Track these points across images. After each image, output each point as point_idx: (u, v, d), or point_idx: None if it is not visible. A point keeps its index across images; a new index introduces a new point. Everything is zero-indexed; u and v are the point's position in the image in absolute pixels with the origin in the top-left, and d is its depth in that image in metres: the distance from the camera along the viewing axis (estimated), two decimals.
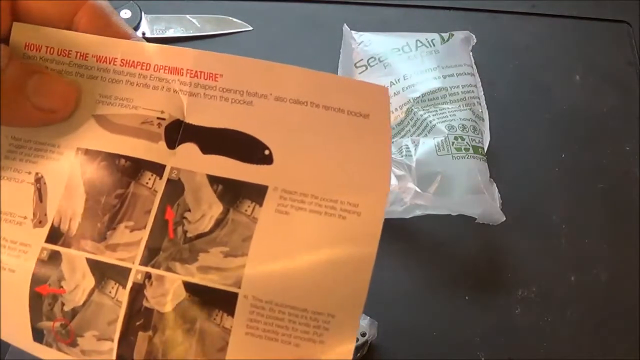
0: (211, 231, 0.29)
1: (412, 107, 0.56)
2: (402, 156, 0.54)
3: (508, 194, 0.54)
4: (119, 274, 0.29)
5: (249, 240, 0.28)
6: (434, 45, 0.60)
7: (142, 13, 0.63)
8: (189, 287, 0.28)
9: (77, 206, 0.30)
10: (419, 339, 0.50)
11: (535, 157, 0.59)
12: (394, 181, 0.53)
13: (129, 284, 0.29)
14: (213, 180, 0.29)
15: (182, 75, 0.30)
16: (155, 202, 0.29)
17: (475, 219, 0.52)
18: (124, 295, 0.29)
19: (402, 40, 0.60)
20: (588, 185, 0.58)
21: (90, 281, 0.29)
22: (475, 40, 0.60)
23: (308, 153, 0.29)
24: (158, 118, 0.30)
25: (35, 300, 0.30)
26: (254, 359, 0.28)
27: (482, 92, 0.59)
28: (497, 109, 0.59)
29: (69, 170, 0.30)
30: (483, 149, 0.55)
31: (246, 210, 0.29)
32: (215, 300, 0.28)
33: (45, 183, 0.31)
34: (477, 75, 0.59)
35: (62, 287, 0.30)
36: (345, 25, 0.61)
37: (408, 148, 0.54)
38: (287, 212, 0.28)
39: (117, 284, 0.29)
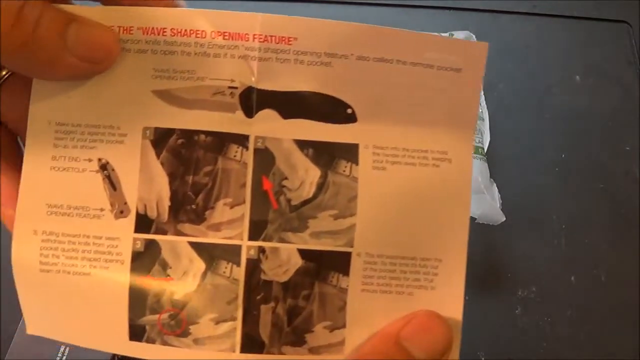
0: (315, 196, 0.29)
1: None
2: None
3: (508, 194, 0.54)
4: (230, 252, 0.29)
5: (355, 200, 0.29)
6: None
7: None
8: (304, 254, 0.29)
9: (161, 190, 0.29)
10: None
11: (535, 157, 0.59)
12: None
13: (243, 261, 0.29)
14: (302, 144, 0.29)
15: (249, 40, 0.29)
16: (248, 174, 0.29)
17: (475, 219, 0.52)
18: (239, 272, 0.28)
19: None
20: (588, 185, 0.58)
21: (199, 265, 0.29)
22: (475, 41, 0.60)
23: (394, 108, 0.29)
24: (229, 87, 0.29)
25: (137, 295, 0.29)
26: (372, 313, 0.29)
27: (482, 92, 0.59)
28: (497, 109, 0.59)
29: (139, 152, 0.29)
30: (483, 149, 0.55)
31: (344, 171, 0.29)
32: (331, 263, 0.29)
33: (113, 169, 0.29)
34: None
35: (168, 275, 0.29)
36: None
37: None
38: (384, 167, 0.29)
39: (230, 263, 0.29)
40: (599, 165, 0.59)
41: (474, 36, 0.60)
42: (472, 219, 0.52)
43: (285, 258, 0.29)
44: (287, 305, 0.29)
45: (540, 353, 0.50)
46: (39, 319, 0.30)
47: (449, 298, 0.30)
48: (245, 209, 0.29)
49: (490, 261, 0.54)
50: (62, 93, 0.29)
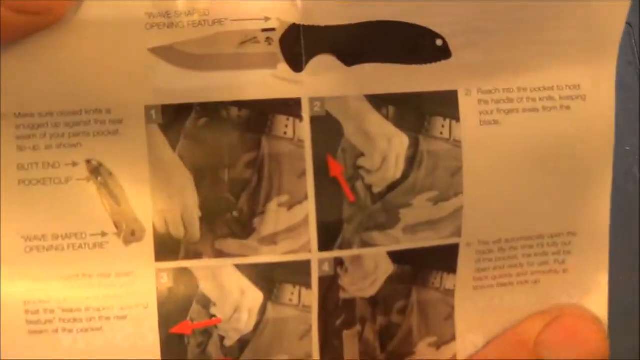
0: (405, 176, 0.21)
1: None
2: None
3: None
4: (295, 272, 0.21)
5: (460, 172, 0.21)
6: None
7: None
8: (396, 256, 0.22)
9: (185, 194, 0.20)
10: None
11: None
12: None
13: (315, 281, 0.21)
14: (378, 101, 0.20)
15: None
16: (307, 156, 0.20)
17: None
18: (311, 296, 0.21)
19: None
20: None
21: (256, 295, 0.21)
22: None
23: (499, 33, 0.21)
24: (263, 30, 0.20)
25: (172, 345, 0.21)
26: (487, 314, 0.22)
27: None
28: None
29: (145, 143, 0.20)
30: None
31: (441, 133, 0.21)
32: (431, 261, 0.22)
33: (110, 173, 0.20)
34: None
35: (214, 315, 0.21)
36: None
37: None
38: (496, 120, 0.21)
39: (297, 286, 0.21)
40: None
41: None
42: None
43: (371, 267, 0.22)
44: (378, 325, 0.22)
45: None
46: None
47: (587, 281, 0.22)
48: (310, 208, 0.21)
49: None
50: (20, 70, 0.20)
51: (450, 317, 0.22)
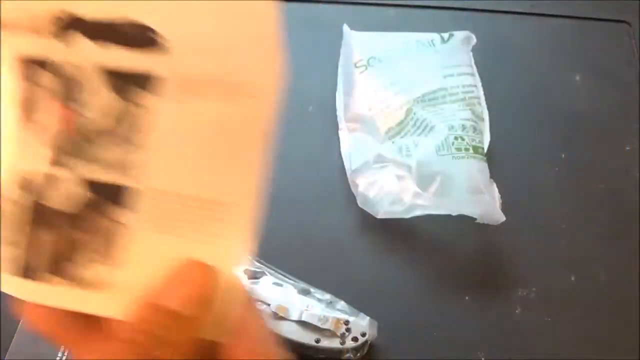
0: (109, 127, 0.26)
1: (412, 107, 0.56)
2: (402, 156, 0.54)
3: (508, 194, 0.54)
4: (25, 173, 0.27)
5: (149, 133, 0.26)
6: (434, 45, 0.60)
7: None
8: (92, 185, 0.26)
9: None
10: (419, 339, 0.50)
11: (535, 157, 0.59)
12: (394, 181, 0.53)
13: (29, 183, 0.27)
14: (108, 72, 0.26)
15: None
16: (55, 101, 0.27)
17: (476, 219, 0.52)
18: (24, 197, 0.27)
19: (402, 40, 0.60)
20: (588, 185, 0.58)
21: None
22: (475, 40, 0.60)
23: (205, 33, 0.26)
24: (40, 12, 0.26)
25: None
26: (150, 255, 0.26)
27: (482, 92, 0.59)
28: (497, 109, 0.59)
29: None
30: (483, 149, 0.55)
31: (141, 102, 0.26)
32: (116, 197, 0.26)
33: None
34: (477, 75, 0.59)
35: None
36: (345, 25, 0.61)
37: (408, 148, 0.54)
38: (185, 100, 0.26)
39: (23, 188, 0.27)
40: (599, 165, 0.59)
41: (473, 36, 0.60)
42: (472, 219, 0.52)
43: (70, 186, 0.26)
44: (72, 237, 0.26)
45: (540, 353, 0.50)
46: None
47: (225, 248, 0.25)
48: (51, 135, 0.27)
49: (490, 261, 0.54)
50: None
51: (123, 245, 0.26)
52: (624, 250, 0.55)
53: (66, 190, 0.26)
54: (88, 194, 0.26)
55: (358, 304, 0.49)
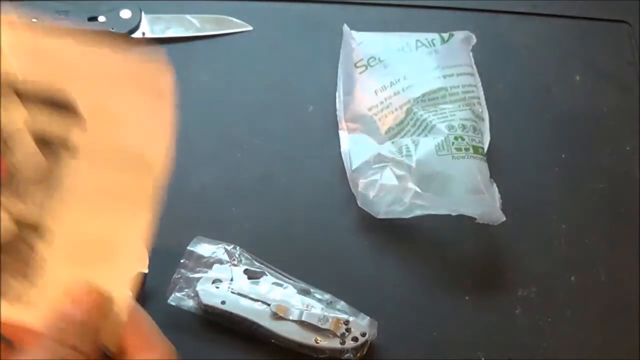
0: (34, 176, 0.30)
1: (412, 107, 0.56)
2: (402, 156, 0.54)
3: (508, 194, 0.54)
4: None
5: (64, 184, 0.30)
6: (434, 45, 0.60)
7: (142, 13, 0.63)
8: (17, 221, 0.30)
9: None
10: (419, 339, 0.50)
11: (535, 157, 0.59)
12: (394, 181, 0.53)
13: None
14: (34, 131, 0.30)
15: None
16: None
17: (475, 219, 0.52)
18: None
19: (402, 40, 0.60)
20: (588, 185, 0.58)
21: None
22: (475, 40, 0.60)
23: (111, 112, 0.30)
24: None
25: None
26: (61, 278, 0.30)
27: (482, 92, 0.59)
28: (497, 109, 0.59)
29: None
30: (483, 149, 0.55)
31: (61, 160, 0.30)
32: (36, 231, 0.30)
33: None
34: (477, 75, 0.59)
35: None
36: (345, 25, 0.61)
37: (408, 148, 0.54)
38: (92, 163, 0.30)
39: None
40: (599, 165, 0.59)
41: (473, 36, 0.60)
42: (472, 219, 0.52)
43: (5, 222, 0.30)
44: None
45: (540, 353, 0.50)
46: None
47: (117, 275, 0.31)
48: None
49: (490, 261, 0.54)
50: None
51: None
52: (624, 250, 0.55)
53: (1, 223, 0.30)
54: (15, 228, 0.30)
55: (358, 304, 0.49)
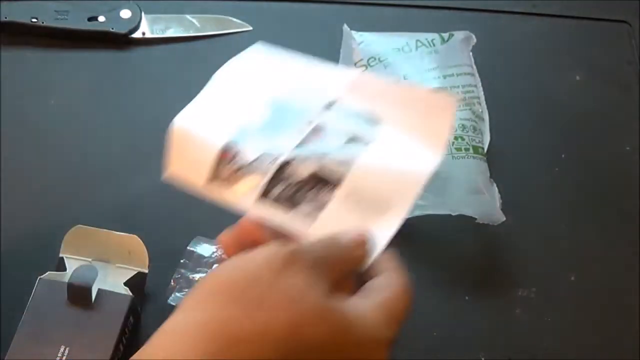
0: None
1: None
2: None
3: (508, 194, 0.54)
4: None
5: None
6: (434, 45, 0.60)
7: (142, 13, 0.63)
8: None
9: None
10: (419, 339, 0.50)
11: (535, 157, 0.59)
12: None
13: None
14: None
15: None
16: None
17: (476, 219, 0.52)
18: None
19: (402, 40, 0.60)
20: (588, 185, 0.58)
21: None
22: (475, 40, 0.60)
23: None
24: None
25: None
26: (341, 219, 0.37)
27: (482, 92, 0.59)
28: (497, 109, 0.59)
29: None
30: (483, 149, 0.55)
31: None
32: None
33: None
34: (477, 75, 0.59)
35: None
36: (345, 25, 0.61)
37: None
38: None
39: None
40: (599, 165, 0.59)
41: (473, 36, 0.60)
42: (472, 219, 0.52)
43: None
44: (300, 188, 0.38)
45: (540, 353, 0.50)
46: None
47: (384, 227, 0.38)
48: None
49: (490, 261, 0.54)
50: None
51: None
52: (624, 250, 0.55)
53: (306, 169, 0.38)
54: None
55: None
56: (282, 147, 0.39)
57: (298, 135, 0.39)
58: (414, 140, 0.41)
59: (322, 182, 0.38)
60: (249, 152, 0.39)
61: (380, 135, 0.40)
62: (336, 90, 0.41)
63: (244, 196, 0.38)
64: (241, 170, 0.38)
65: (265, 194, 0.38)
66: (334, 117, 0.40)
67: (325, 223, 0.37)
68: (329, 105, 0.41)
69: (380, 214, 0.38)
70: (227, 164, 0.39)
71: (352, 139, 0.39)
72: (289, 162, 0.38)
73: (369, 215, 0.37)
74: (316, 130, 0.40)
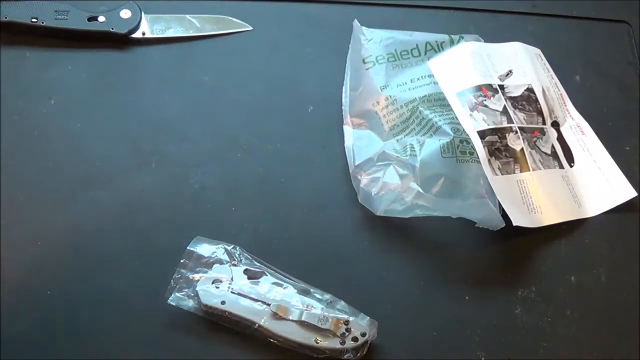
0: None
1: (418, 106, 0.56)
2: (406, 155, 0.54)
3: None
4: None
5: None
6: (442, 49, 0.60)
7: (142, 13, 0.63)
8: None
9: None
10: (419, 339, 0.50)
11: None
12: (396, 180, 0.53)
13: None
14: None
15: None
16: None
17: (475, 223, 0.52)
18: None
19: (411, 41, 0.60)
20: None
21: None
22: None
23: None
24: None
25: None
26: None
27: None
28: None
29: None
30: None
31: None
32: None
33: None
34: None
35: None
36: (355, 20, 0.61)
37: (413, 148, 0.54)
38: None
39: None
40: None
41: (482, 40, 0.60)
42: (472, 223, 0.52)
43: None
44: None
45: (540, 353, 0.50)
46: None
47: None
48: None
49: (490, 261, 0.54)
50: None
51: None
52: (624, 250, 0.55)
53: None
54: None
55: (358, 304, 0.49)
56: None
57: None
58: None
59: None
60: None
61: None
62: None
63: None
64: None
65: None
66: None
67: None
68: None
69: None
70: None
71: None
72: None
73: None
74: None
